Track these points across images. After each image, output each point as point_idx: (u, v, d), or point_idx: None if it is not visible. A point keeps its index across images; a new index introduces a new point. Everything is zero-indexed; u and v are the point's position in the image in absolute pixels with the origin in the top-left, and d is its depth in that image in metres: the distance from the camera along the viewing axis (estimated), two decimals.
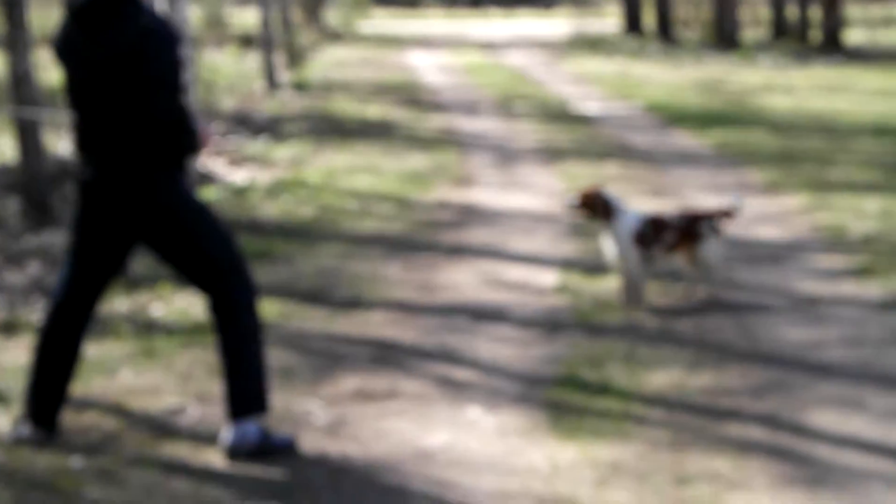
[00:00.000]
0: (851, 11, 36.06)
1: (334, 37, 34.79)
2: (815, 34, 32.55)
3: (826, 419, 6.37)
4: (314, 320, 8.34)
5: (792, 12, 35.04)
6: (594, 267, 9.50)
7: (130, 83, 5.75)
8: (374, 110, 19.86)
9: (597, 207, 8.42)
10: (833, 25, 31.12)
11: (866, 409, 6.48)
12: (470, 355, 7.52)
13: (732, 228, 10.63)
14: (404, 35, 37.53)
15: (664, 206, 11.40)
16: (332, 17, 37.55)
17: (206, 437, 6.24)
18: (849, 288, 8.91)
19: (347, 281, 9.36)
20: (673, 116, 18.87)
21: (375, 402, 6.73)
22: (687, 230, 8.50)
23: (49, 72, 21.75)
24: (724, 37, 30.94)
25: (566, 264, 9.69)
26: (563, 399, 6.70)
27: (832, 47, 30.52)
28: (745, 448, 6.00)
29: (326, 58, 29.17)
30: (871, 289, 8.82)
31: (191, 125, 5.86)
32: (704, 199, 11.98)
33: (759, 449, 5.99)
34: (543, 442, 6.13)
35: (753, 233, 10.73)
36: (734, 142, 16.07)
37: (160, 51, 5.76)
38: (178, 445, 6.16)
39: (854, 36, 34.63)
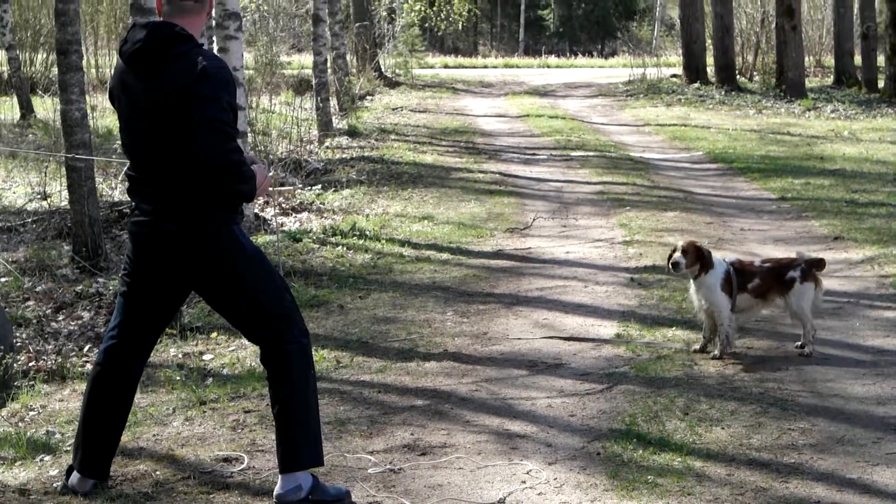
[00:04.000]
0: None
1: (390, 83, 34.83)
2: (881, 82, 32.25)
3: (893, 477, 6.18)
4: (368, 370, 8.23)
5: (857, 60, 34.79)
6: (653, 318, 9.37)
7: (184, 126, 5.66)
8: (430, 157, 19.80)
9: (697, 260, 8.35)
10: None
11: None
12: (526, 407, 7.38)
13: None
14: (461, 81, 37.54)
15: (734, 255, 11.27)
16: (388, 62, 37.61)
17: (258, 489, 6.14)
18: None
19: (402, 330, 9.25)
20: (735, 165, 18.70)
21: (430, 454, 6.60)
22: (776, 278, 8.45)
23: (105, 117, 21.95)
24: (788, 84, 30.69)
25: (624, 315, 9.54)
26: (621, 453, 6.54)
27: None
28: None
29: (381, 104, 29.18)
30: None
31: (245, 170, 5.75)
32: (774, 251, 11.82)
33: None
34: (602, 498, 5.98)
35: None
36: (798, 191, 15.87)
37: (214, 93, 5.66)
38: (230, 496, 6.06)
39: None
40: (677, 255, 8.41)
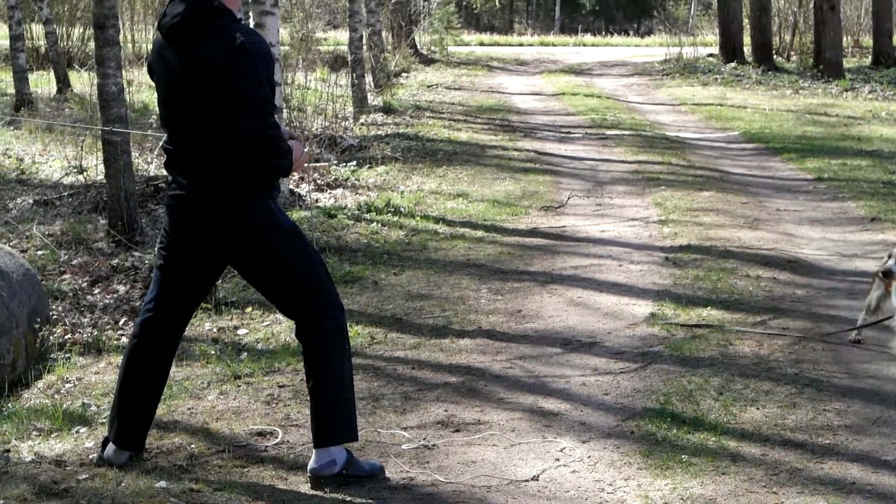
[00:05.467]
0: None
1: (425, 60, 34.77)
2: None
3: None
4: (402, 346, 8.24)
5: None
6: (687, 298, 9.34)
7: (221, 101, 5.66)
8: (465, 134, 19.78)
9: None
10: None
11: None
12: (560, 385, 7.38)
13: (832, 262, 10.45)
14: (496, 59, 37.44)
15: (763, 237, 11.23)
16: (424, 40, 37.54)
17: (292, 463, 6.16)
18: None
19: (436, 307, 9.26)
20: (771, 145, 18.60)
21: (463, 431, 6.60)
22: None
23: (141, 92, 22.01)
24: (825, 64, 30.49)
25: (659, 294, 9.52)
26: (655, 432, 6.53)
27: None
28: (843, 488, 5.80)
29: (417, 81, 29.14)
30: None
31: (282, 145, 5.75)
32: (810, 231, 11.78)
33: (859, 489, 5.79)
34: (635, 476, 5.97)
35: (853, 266, 10.50)
36: (835, 172, 15.79)
37: (252, 68, 5.66)
38: (264, 470, 6.07)
39: None
40: (891, 262, 7.96)
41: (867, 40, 39.00)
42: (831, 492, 5.75)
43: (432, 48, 37.39)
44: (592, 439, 6.47)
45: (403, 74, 30.44)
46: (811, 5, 32.65)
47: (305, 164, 13.58)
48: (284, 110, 15.51)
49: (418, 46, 35.94)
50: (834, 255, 10.99)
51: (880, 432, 6.54)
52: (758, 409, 6.90)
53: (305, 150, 7.34)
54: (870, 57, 35.51)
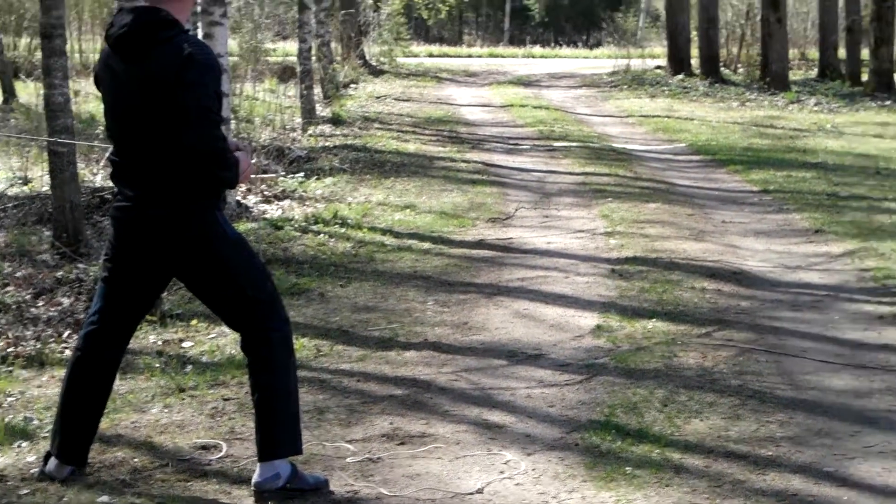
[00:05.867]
0: None
1: (374, 71, 34.78)
2: (865, 76, 32.32)
3: (870, 470, 6.20)
4: (348, 359, 8.23)
5: (841, 53, 34.85)
6: (633, 309, 9.38)
7: (168, 112, 5.63)
8: (413, 146, 19.80)
9: None
10: (883, 67, 30.87)
11: None
12: (505, 397, 7.39)
13: (776, 274, 10.53)
14: (446, 70, 37.49)
15: (708, 248, 11.30)
16: (373, 51, 37.55)
17: (236, 477, 6.13)
18: (895, 335, 8.73)
19: (383, 319, 9.25)
20: (718, 157, 18.74)
21: (408, 444, 6.60)
22: None
23: (88, 102, 21.88)
24: (772, 77, 30.73)
25: (605, 306, 9.56)
26: (600, 444, 6.55)
27: (883, 89, 30.29)
28: (785, 498, 5.84)
29: (366, 92, 29.14)
30: None
31: (228, 157, 5.74)
32: (755, 243, 11.86)
33: (800, 500, 5.83)
34: (580, 488, 5.98)
35: (797, 278, 10.59)
36: (780, 184, 15.92)
37: (200, 80, 5.64)
38: (208, 484, 6.04)
39: None
40: None
41: (813, 53, 39.37)
42: (773, 503, 5.79)
43: (381, 59, 37.44)
44: (537, 451, 6.48)
45: (352, 85, 30.43)
46: (758, 18, 32.93)
47: (252, 176, 13.54)
48: (232, 121, 15.47)
49: (367, 57, 35.95)
50: (778, 266, 11.06)
51: (822, 443, 6.59)
52: (701, 420, 6.94)
53: (253, 161, 7.32)
54: (816, 69, 35.82)
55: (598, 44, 57.20)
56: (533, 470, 6.23)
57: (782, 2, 31.35)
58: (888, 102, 28.24)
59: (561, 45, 55.77)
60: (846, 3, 35.01)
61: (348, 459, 6.36)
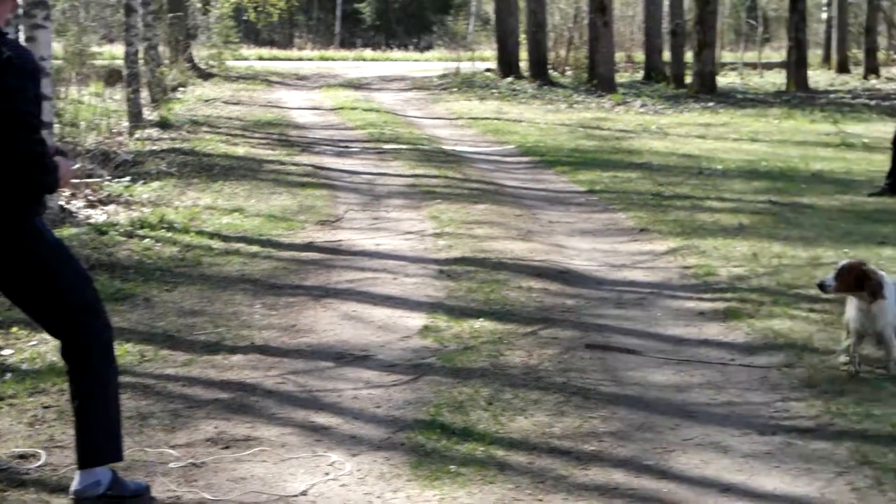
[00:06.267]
0: (725, 56, 36.67)
1: (203, 74, 34.48)
2: (688, 78, 33.01)
3: (689, 462, 6.33)
4: (173, 364, 8.12)
5: (666, 56, 35.53)
6: (460, 309, 9.43)
7: None
8: (242, 149, 19.66)
9: (857, 286, 7.67)
10: (706, 70, 31.57)
11: (729, 453, 6.45)
12: (332, 399, 7.37)
13: (601, 273, 10.69)
14: (276, 73, 37.33)
15: (535, 248, 11.42)
16: (202, 54, 37.19)
17: (55, 485, 6.00)
18: (715, 331, 8.93)
19: (209, 323, 9.16)
20: (546, 158, 18.98)
21: (233, 448, 6.54)
22: None
23: None
24: (599, 79, 31.22)
25: (432, 306, 9.59)
26: (425, 444, 6.57)
27: (705, 91, 30.99)
28: (607, 492, 5.92)
29: (194, 95, 28.86)
30: (737, 332, 8.86)
31: (48, 162, 5.63)
32: (581, 242, 12.01)
33: (621, 493, 5.92)
34: (404, 488, 5.99)
35: (622, 276, 10.77)
36: (606, 184, 16.18)
37: (19, 84, 5.51)
38: (26, 493, 5.91)
39: (726, 80, 35.21)
40: (829, 275, 7.82)
41: (639, 55, 40.07)
42: (595, 497, 5.86)
43: (211, 63, 37.12)
44: (363, 452, 6.47)
45: (181, 89, 30.12)
46: (585, 21, 33.41)
47: (75, 180, 13.30)
48: (56, 125, 15.21)
49: (196, 61, 35.63)
50: (604, 265, 11.23)
51: (643, 438, 6.70)
52: (526, 418, 7.00)
53: (76, 165, 7.20)
54: (642, 72, 36.47)
55: (429, 47, 57.50)
56: (358, 470, 6.22)
57: (609, 5, 31.85)
58: (711, 104, 28.92)
59: (392, 49, 55.99)
60: (670, 7, 35.71)
61: (171, 465, 6.28)
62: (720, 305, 9.61)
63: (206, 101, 27.84)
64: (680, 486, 6.02)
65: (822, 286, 7.89)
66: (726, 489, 5.97)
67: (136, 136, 20.68)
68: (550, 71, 34.56)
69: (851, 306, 7.85)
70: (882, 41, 47.33)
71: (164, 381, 7.75)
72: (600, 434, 6.75)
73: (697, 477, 6.14)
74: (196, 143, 20.14)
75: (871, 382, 7.61)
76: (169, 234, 12.46)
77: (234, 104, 27.54)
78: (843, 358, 7.96)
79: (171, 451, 6.48)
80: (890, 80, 37.89)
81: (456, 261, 11.19)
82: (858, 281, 7.66)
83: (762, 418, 7.00)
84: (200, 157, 18.46)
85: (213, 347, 8.50)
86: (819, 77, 39.32)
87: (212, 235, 12.46)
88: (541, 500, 5.82)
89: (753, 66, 43.78)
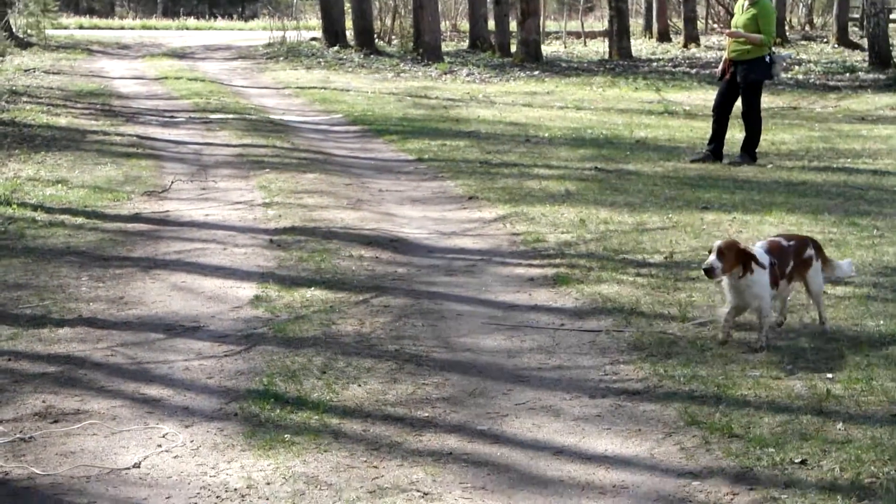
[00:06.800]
0: (549, 25, 37.00)
1: (22, 44, 33.71)
2: (513, 47, 33.26)
3: (521, 426, 6.40)
4: None
5: (491, 25, 35.75)
6: (291, 279, 9.39)
7: None
8: (64, 119, 19.28)
9: (738, 263, 7.58)
10: (531, 38, 31.84)
11: (560, 416, 6.55)
12: (163, 371, 7.29)
13: (431, 240, 10.75)
14: (97, 42, 36.66)
15: (365, 217, 11.44)
16: (19, 22, 36.33)
17: None
18: (545, 296, 9.03)
19: (34, 296, 8.97)
20: (374, 127, 18.97)
21: (62, 421, 6.43)
22: (798, 257, 7.96)
23: None
24: (424, 48, 31.28)
25: (263, 276, 9.53)
26: (259, 413, 6.54)
27: (530, 60, 31.25)
28: (441, 458, 5.97)
29: (13, 65, 28.20)
30: (566, 297, 8.97)
31: None
32: (411, 211, 12.05)
33: (455, 458, 5.97)
34: (238, 458, 5.96)
35: (452, 243, 10.82)
36: (435, 153, 16.23)
37: None
38: None
39: (551, 49, 35.56)
40: (712, 258, 7.57)
41: (465, 25, 40.24)
42: (430, 462, 5.91)
43: (29, 31, 36.28)
44: (195, 423, 6.42)
45: None
46: None
47: None
48: None
49: (14, 29, 34.78)
50: (434, 233, 11.28)
51: (476, 403, 6.76)
52: (359, 386, 7.01)
53: None
54: (467, 41, 36.63)
55: (254, 16, 57.04)
56: (191, 442, 6.17)
57: None
58: (536, 73, 29.18)
59: (216, 18, 55.35)
60: None
61: None
62: (549, 271, 9.72)
63: (26, 70, 27.24)
64: (513, 450, 6.10)
65: (709, 272, 7.62)
66: (559, 452, 6.06)
67: None
68: (377, 40, 34.54)
69: (727, 281, 7.80)
70: (701, 10, 48.21)
71: None
72: (433, 400, 6.80)
73: (530, 440, 6.22)
74: (16, 113, 19.68)
75: (696, 344, 7.78)
76: None
77: (54, 74, 26.98)
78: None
79: None
80: (709, 48, 38.60)
81: (286, 230, 11.13)
82: (739, 258, 7.60)
83: (592, 381, 7.12)
84: (21, 127, 18.05)
85: (40, 321, 8.33)
86: (641, 46, 39.91)
87: (35, 207, 12.19)
88: (376, 467, 5.84)
89: (577, 35, 44.28)
